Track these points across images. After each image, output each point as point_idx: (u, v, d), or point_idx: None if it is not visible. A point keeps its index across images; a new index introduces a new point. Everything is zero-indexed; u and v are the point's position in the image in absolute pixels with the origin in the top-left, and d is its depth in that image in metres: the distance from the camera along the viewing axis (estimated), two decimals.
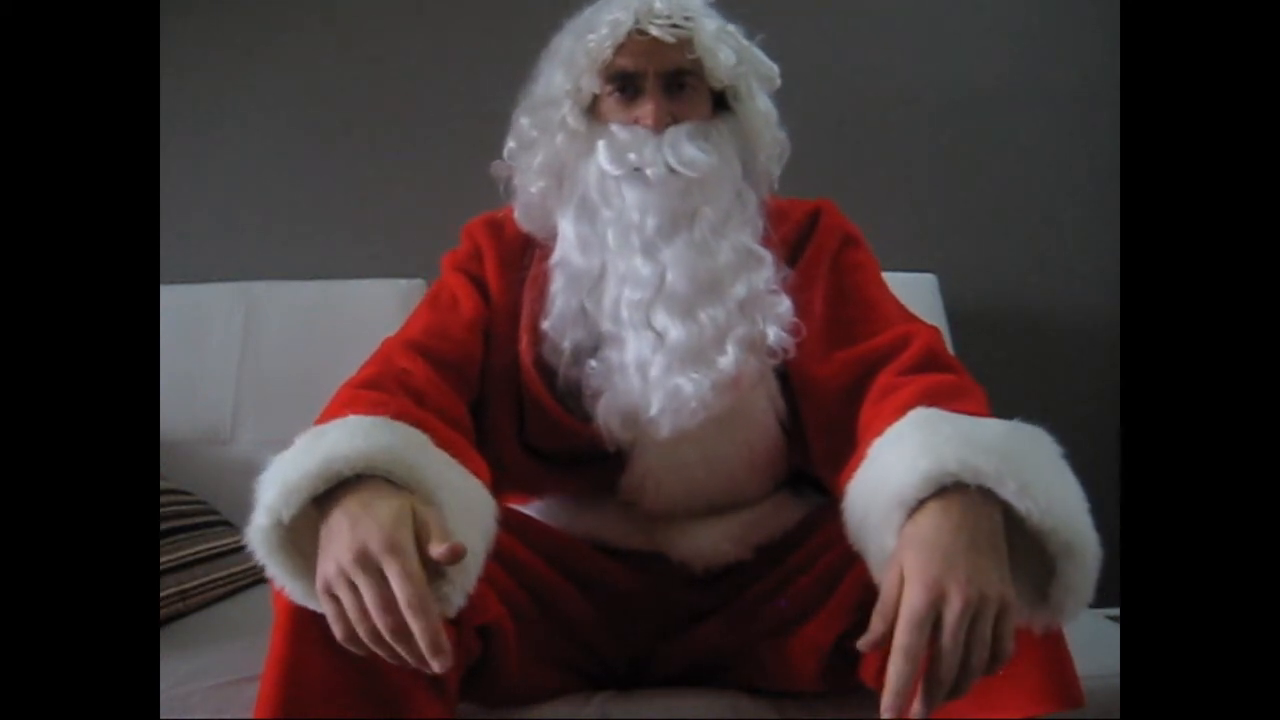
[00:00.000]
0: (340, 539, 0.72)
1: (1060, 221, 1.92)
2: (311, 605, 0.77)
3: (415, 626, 0.69)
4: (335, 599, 0.72)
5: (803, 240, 1.09)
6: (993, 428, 0.81)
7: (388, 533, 0.71)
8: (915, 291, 1.63)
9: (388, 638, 0.70)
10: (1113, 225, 1.83)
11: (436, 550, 0.72)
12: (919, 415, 0.84)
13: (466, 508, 0.81)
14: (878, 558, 0.80)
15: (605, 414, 0.99)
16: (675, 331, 0.98)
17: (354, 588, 0.71)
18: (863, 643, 0.73)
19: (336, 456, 0.76)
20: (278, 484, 0.76)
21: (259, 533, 0.76)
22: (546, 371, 1.02)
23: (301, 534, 0.76)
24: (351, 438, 0.78)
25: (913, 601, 0.70)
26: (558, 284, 1.03)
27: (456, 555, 0.72)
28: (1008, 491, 0.75)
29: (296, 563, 0.77)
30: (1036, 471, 0.77)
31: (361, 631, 0.71)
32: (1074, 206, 1.91)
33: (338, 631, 0.73)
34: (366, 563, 0.71)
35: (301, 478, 0.75)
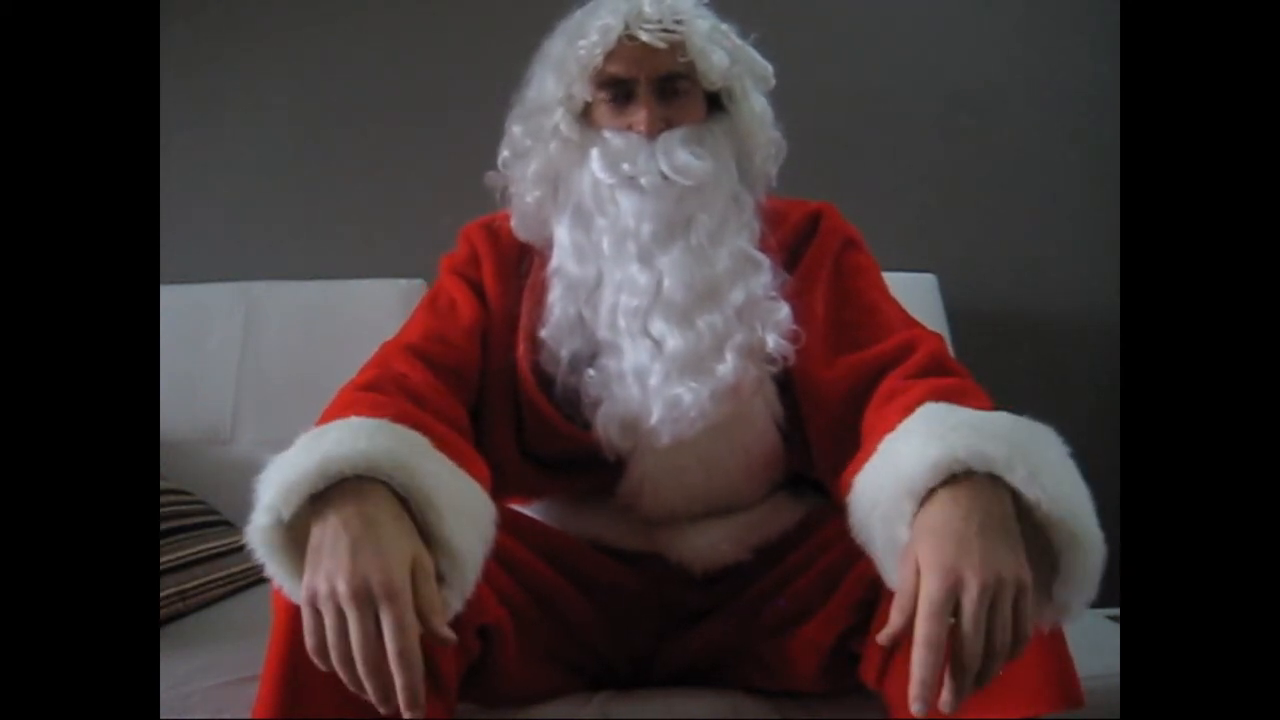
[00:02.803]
0: (339, 560, 0.71)
1: (1060, 221, 1.91)
2: None
3: (399, 679, 0.69)
4: (317, 613, 0.72)
5: (802, 244, 1.09)
6: (1001, 419, 0.81)
7: (389, 575, 0.71)
8: (915, 291, 1.63)
9: (360, 671, 0.70)
10: (1113, 225, 1.82)
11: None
12: (928, 409, 0.84)
13: (465, 512, 0.81)
14: (885, 549, 0.80)
15: (604, 422, 0.99)
16: (673, 340, 0.97)
17: (341, 615, 0.71)
18: (882, 636, 0.72)
19: (336, 456, 0.75)
20: (277, 483, 0.76)
21: (259, 532, 0.76)
22: (544, 379, 1.02)
23: (301, 533, 0.76)
24: (354, 439, 0.78)
25: (930, 590, 0.70)
26: (555, 292, 1.03)
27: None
28: (1016, 478, 0.75)
29: (296, 562, 0.76)
30: (1044, 460, 0.77)
31: (335, 655, 0.71)
32: (1074, 206, 1.91)
33: (310, 642, 0.72)
34: (363, 600, 0.70)
35: (301, 477, 0.75)
